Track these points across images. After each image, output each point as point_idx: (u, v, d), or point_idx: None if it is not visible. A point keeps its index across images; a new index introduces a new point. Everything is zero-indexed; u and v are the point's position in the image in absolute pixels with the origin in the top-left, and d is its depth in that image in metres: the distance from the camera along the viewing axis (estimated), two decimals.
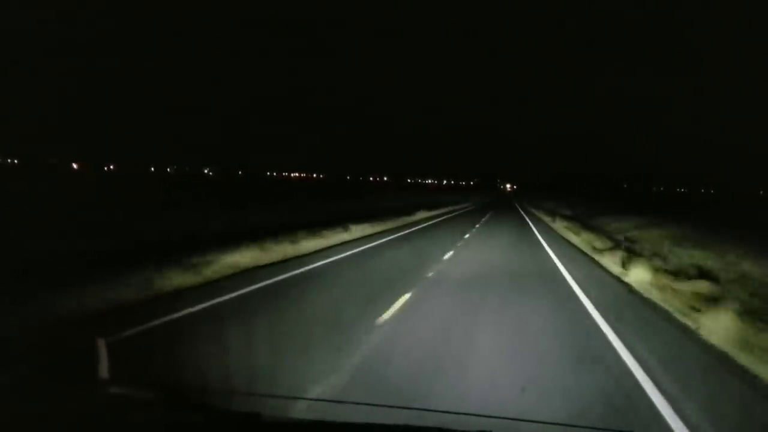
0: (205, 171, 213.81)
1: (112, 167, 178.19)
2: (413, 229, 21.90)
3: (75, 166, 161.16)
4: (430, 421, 3.37)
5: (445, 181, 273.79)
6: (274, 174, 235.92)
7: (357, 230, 17.90)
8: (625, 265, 12.02)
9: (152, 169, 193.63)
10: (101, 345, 2.04)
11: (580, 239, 19.32)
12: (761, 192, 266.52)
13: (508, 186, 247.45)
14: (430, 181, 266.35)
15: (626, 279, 10.70)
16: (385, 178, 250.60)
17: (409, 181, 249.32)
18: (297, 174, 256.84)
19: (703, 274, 10.87)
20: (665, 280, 9.99)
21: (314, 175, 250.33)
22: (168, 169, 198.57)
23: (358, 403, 3.44)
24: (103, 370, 1.99)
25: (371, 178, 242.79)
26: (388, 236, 18.23)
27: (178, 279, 8.43)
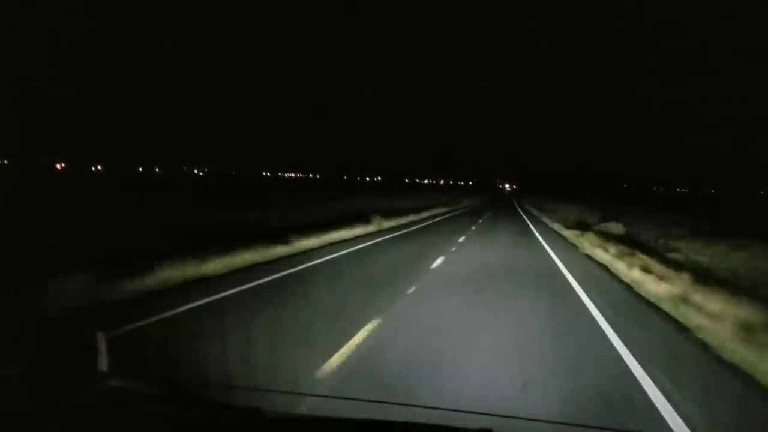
0: (195, 171, 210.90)
1: (99, 167, 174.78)
2: None
3: (58, 166, 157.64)
4: (430, 418, 2.90)
5: (442, 181, 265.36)
6: (268, 174, 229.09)
7: None
8: None
9: (140, 169, 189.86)
10: (101, 338, 2.03)
11: None
12: (762, 192, 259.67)
13: (507, 186, 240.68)
14: (427, 181, 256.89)
15: None
16: (378, 178, 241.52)
17: (406, 181, 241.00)
18: (293, 174, 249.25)
19: None
20: None
21: (310, 175, 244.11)
22: (157, 169, 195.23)
23: (357, 399, 3.49)
24: (103, 363, 1.98)
25: (367, 178, 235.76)
26: None
27: None
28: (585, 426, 3.27)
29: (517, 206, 53.98)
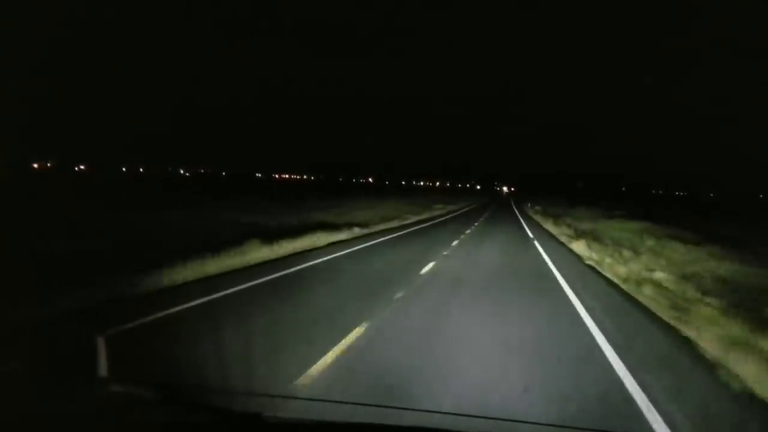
0: (181, 171, 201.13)
1: (83, 167, 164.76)
2: None
3: (35, 165, 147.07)
4: (430, 422, 2.99)
5: (438, 183, 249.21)
6: (259, 175, 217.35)
7: None
8: None
9: (123, 169, 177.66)
10: (100, 343, 1.96)
11: None
12: (761, 195, 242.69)
13: (505, 188, 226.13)
14: (422, 183, 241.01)
15: None
16: (370, 180, 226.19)
17: (403, 183, 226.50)
18: (288, 175, 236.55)
19: None
20: None
21: (304, 177, 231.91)
22: (141, 169, 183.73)
23: (357, 404, 3.22)
24: (102, 368, 1.90)
25: (362, 180, 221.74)
26: None
27: None
28: (585, 429, 3.06)
29: (523, 219, 32.23)
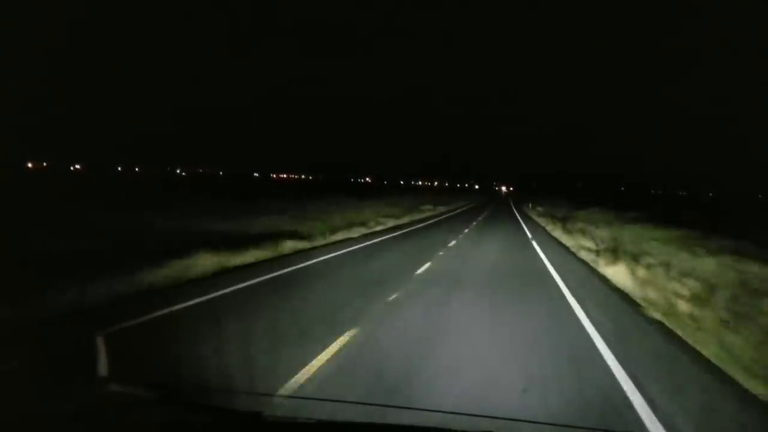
0: (178, 171, 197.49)
1: (78, 167, 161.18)
2: None
3: (30, 165, 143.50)
4: (431, 421, 2.91)
5: (436, 183, 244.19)
6: (256, 175, 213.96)
7: None
8: None
9: (119, 168, 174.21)
10: (100, 342, 1.90)
11: None
12: (760, 195, 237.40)
13: (503, 188, 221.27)
14: (421, 183, 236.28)
15: None
16: (368, 179, 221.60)
17: (401, 182, 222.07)
18: (286, 175, 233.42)
19: None
20: None
21: (302, 176, 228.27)
22: (137, 169, 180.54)
23: (356, 403, 3.12)
24: (102, 368, 1.85)
25: (361, 180, 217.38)
26: None
27: None
28: (585, 428, 2.93)
29: (529, 233, 20.98)
